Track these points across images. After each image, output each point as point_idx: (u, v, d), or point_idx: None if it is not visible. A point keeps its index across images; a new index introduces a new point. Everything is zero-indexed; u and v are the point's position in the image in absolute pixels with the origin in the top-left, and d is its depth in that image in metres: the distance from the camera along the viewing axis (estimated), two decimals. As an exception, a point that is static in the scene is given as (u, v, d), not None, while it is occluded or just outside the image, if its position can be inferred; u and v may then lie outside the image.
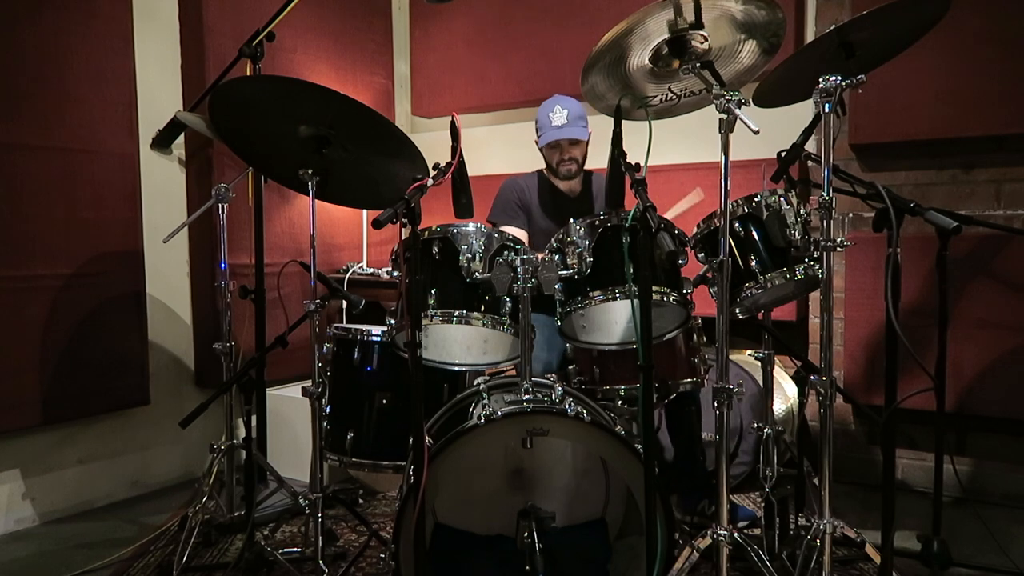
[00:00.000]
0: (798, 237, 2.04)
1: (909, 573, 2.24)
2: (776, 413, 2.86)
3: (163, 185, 3.27)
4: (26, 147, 2.75)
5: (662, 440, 2.78)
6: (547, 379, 2.07)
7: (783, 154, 2.02)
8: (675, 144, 3.28)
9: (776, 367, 2.47)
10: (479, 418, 1.85)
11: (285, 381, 3.48)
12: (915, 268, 2.79)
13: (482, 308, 2.02)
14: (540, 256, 2.00)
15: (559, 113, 2.87)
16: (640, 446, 1.78)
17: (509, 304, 2.03)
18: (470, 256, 2.00)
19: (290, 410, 3.24)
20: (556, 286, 2.03)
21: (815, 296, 2.66)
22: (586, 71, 2.04)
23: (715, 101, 1.74)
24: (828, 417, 1.89)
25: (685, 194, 2.94)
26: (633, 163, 1.93)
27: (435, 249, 2.03)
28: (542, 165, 3.08)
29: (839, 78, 1.80)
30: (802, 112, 2.07)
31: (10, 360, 2.71)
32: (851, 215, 3.14)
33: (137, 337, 3.11)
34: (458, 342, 2.21)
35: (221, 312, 2.71)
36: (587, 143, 2.96)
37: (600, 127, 2.77)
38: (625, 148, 2.00)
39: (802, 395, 2.26)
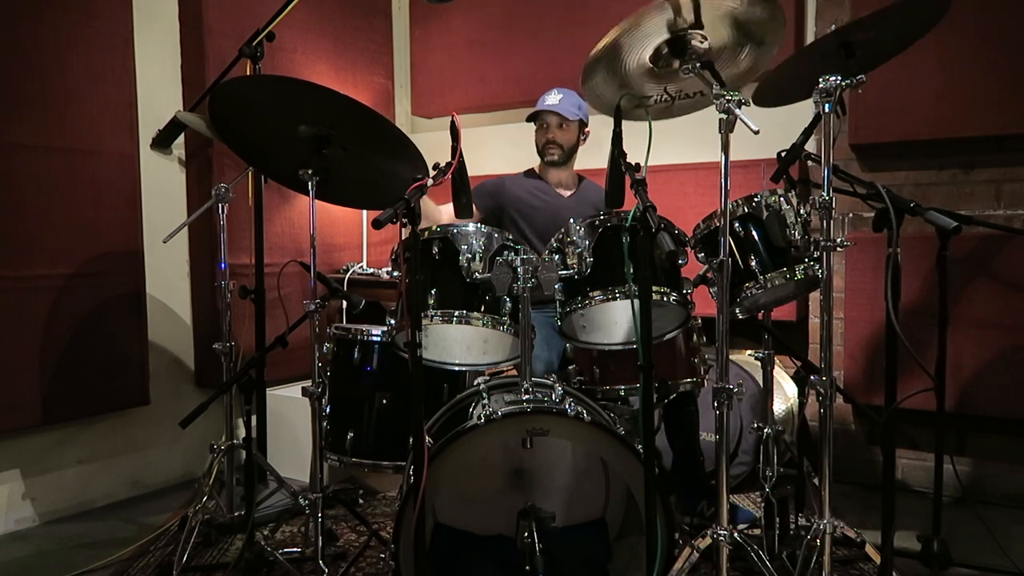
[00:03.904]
0: (798, 237, 2.04)
1: (909, 573, 2.23)
2: (776, 413, 2.86)
3: (163, 185, 3.27)
4: (26, 147, 2.75)
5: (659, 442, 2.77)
6: (547, 379, 2.07)
7: (783, 154, 2.02)
8: (675, 144, 3.28)
9: (776, 367, 2.47)
10: (479, 418, 1.84)
11: (285, 381, 3.48)
12: (915, 268, 2.79)
13: (482, 308, 2.02)
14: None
15: (554, 95, 2.88)
16: (640, 446, 1.78)
17: (509, 304, 2.03)
18: (470, 256, 2.00)
19: (290, 410, 3.24)
20: (556, 286, 2.03)
21: (815, 296, 2.66)
22: (586, 71, 2.04)
23: (715, 101, 1.74)
24: (828, 417, 1.88)
25: (686, 194, 2.93)
26: (633, 163, 1.93)
27: (435, 249, 2.03)
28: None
29: (839, 78, 1.80)
30: (802, 112, 2.07)
31: (10, 360, 2.71)
32: (851, 215, 3.14)
33: (137, 337, 3.11)
34: (458, 342, 2.20)
35: (221, 312, 2.71)
36: (578, 137, 2.93)
37: (600, 127, 2.77)
38: (625, 148, 1.99)
39: (802, 395, 2.26)
